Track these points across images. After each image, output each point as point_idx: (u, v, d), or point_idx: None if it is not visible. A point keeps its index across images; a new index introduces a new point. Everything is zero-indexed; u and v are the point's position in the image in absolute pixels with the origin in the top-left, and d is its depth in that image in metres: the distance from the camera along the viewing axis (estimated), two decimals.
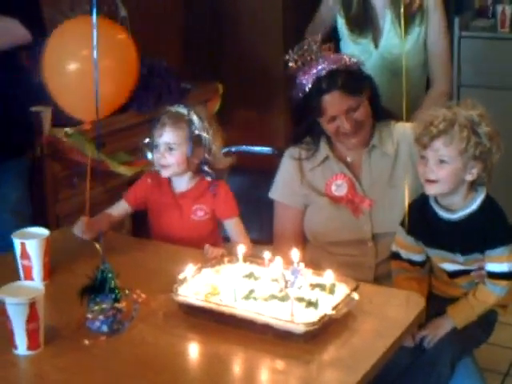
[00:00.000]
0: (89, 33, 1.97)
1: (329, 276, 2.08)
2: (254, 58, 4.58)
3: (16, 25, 2.64)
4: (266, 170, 2.82)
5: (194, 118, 2.52)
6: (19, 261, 2.22)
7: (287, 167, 2.71)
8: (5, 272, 2.25)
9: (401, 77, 2.99)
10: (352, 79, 2.56)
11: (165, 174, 2.56)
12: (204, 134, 2.52)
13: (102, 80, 1.96)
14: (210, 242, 2.50)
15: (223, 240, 2.68)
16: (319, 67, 2.56)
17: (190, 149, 2.50)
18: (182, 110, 2.54)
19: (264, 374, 1.88)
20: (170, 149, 2.51)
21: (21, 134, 2.81)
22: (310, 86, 2.56)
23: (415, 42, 3.21)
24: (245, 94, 4.49)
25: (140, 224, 3.14)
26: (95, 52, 1.89)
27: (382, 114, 2.67)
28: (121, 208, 2.65)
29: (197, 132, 2.51)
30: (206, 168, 2.56)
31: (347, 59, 2.60)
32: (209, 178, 2.58)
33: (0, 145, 2.74)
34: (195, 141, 2.51)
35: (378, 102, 2.66)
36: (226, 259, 2.27)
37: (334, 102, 2.54)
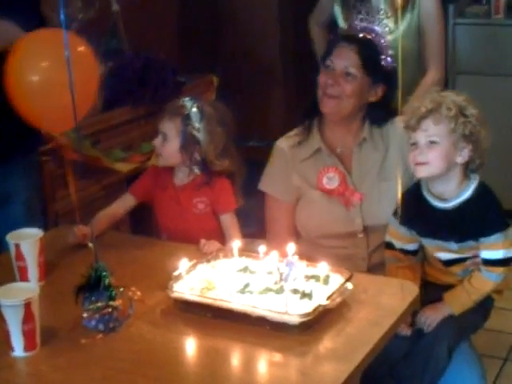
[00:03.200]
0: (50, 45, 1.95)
1: (323, 267, 2.09)
2: (251, 50, 4.58)
3: (13, 27, 2.59)
4: (262, 164, 2.80)
5: (194, 114, 2.49)
6: (14, 262, 2.22)
7: (278, 159, 2.67)
8: (1, 274, 2.25)
9: None
10: (372, 53, 2.55)
11: (159, 162, 2.57)
12: (198, 134, 2.49)
13: (63, 92, 1.96)
14: (214, 235, 2.50)
15: None
16: (364, 24, 2.66)
17: (182, 144, 2.49)
18: (187, 103, 2.52)
19: (261, 367, 1.88)
20: (164, 139, 2.51)
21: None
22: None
23: (407, 28, 3.21)
24: (242, 86, 4.48)
25: (139, 221, 3.16)
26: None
27: (383, 118, 2.62)
28: (126, 202, 2.65)
29: (191, 129, 2.49)
30: (197, 168, 2.52)
31: (388, 50, 2.59)
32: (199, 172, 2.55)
33: (10, 137, 2.68)
34: (189, 137, 2.49)
35: (384, 105, 2.61)
36: (221, 254, 2.27)
37: (341, 52, 2.55)
